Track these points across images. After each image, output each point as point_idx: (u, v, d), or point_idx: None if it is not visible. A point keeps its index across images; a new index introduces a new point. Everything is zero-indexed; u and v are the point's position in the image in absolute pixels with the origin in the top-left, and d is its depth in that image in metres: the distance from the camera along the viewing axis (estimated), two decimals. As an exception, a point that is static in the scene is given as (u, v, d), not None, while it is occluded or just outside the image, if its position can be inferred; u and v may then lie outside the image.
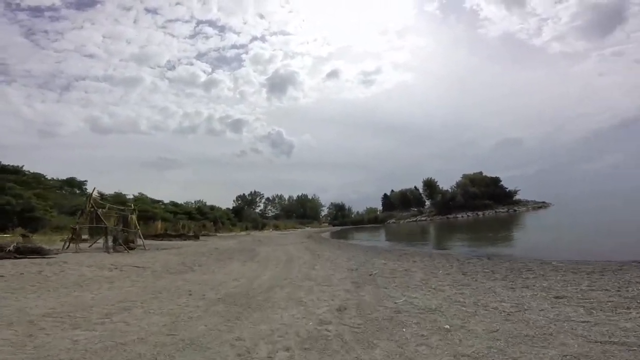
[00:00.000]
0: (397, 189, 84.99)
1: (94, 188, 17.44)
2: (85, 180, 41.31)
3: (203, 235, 36.02)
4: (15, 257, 9.89)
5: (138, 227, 16.14)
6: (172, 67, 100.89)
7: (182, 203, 51.88)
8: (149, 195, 44.92)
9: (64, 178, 42.90)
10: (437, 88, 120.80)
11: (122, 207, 17.09)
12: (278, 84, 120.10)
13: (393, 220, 70.79)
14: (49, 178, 38.80)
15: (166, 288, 6.24)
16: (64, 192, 41.27)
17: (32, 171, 34.64)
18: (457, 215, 64.18)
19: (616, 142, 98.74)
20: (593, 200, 55.90)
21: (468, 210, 65.49)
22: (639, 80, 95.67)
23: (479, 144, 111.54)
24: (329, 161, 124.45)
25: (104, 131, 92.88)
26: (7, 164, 32.96)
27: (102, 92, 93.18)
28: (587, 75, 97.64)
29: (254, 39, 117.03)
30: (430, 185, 74.60)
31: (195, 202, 60.96)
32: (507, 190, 70.12)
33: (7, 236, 14.22)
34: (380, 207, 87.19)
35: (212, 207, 56.03)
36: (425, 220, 65.33)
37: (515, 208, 66.03)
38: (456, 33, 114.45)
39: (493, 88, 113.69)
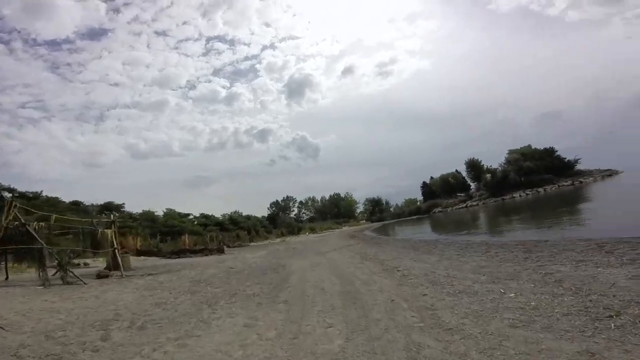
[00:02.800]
0: (435, 176, 76.17)
1: (12, 194, 12.20)
2: (123, 203, 37.86)
3: (235, 246, 30.94)
4: None
5: (116, 246, 10.59)
6: (193, 87, 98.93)
7: (219, 216, 47.23)
8: (182, 211, 40.99)
9: (101, 203, 39.80)
10: (457, 70, 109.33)
11: (90, 219, 11.75)
12: (295, 89, 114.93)
13: (439, 209, 62.25)
14: (88, 204, 36.35)
15: None
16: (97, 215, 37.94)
17: (62, 199, 31.62)
18: (514, 195, 54.65)
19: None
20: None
21: (525, 188, 55.74)
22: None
23: (515, 121, 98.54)
24: (357, 159, 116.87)
25: (143, 156, 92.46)
26: (26, 190, 30.04)
27: (134, 119, 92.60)
28: (614, 40, 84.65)
29: (265, 47, 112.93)
30: (474, 166, 65.04)
31: (231, 213, 56.93)
32: (566, 160, 59.21)
33: None
34: (419, 197, 78.68)
35: (248, 217, 51.45)
36: (477, 205, 56.32)
37: (581, 179, 55.29)
38: (466, 12, 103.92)
39: (517, 63, 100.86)
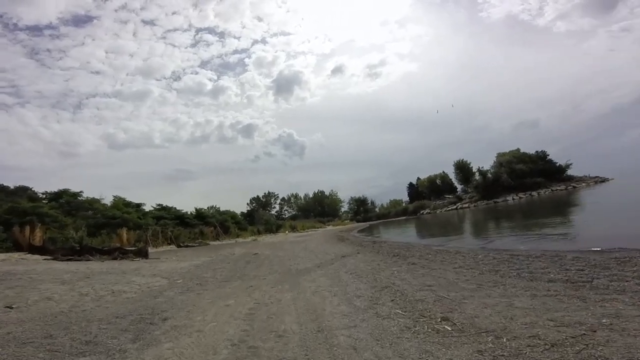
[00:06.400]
0: (413, 180, 70.30)
1: None
2: (80, 191, 29.50)
3: (194, 245, 23.17)
4: None
5: None
6: (178, 78, 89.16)
7: (181, 208, 38.90)
8: (164, 203, 33.27)
9: (55, 190, 31.37)
10: (443, 75, 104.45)
11: None
12: (284, 85, 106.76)
13: (427, 211, 56.06)
14: (41, 192, 28.33)
15: None
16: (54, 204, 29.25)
17: None
18: (507, 199, 49.16)
19: (638, 116, 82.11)
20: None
21: (517, 192, 50.40)
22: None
23: (494, 128, 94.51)
24: (341, 159, 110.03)
25: (121, 147, 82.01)
26: None
27: (113, 108, 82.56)
28: (598, 52, 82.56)
29: (255, 42, 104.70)
30: (463, 168, 59.41)
31: (207, 207, 48.84)
32: (558, 165, 54.54)
33: None
34: (403, 199, 72.57)
35: (223, 212, 43.31)
36: (468, 207, 50.47)
37: (574, 184, 50.69)
38: (456, 18, 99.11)
39: (501, 71, 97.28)
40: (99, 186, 68.60)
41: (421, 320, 3.25)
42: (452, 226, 23.53)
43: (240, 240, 28.65)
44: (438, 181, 65.81)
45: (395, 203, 72.46)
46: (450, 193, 62.20)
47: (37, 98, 76.49)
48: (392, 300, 3.95)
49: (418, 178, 69.37)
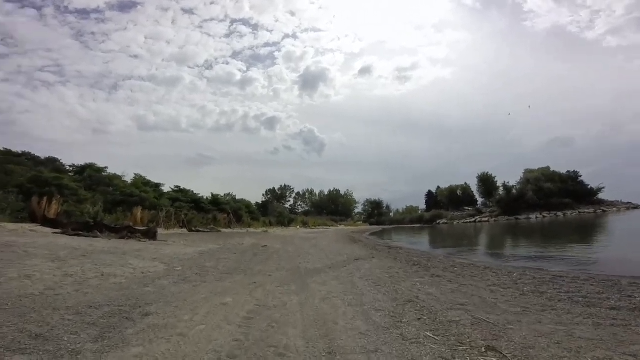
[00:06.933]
0: (433, 188, 68.10)
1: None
2: (106, 167, 30.42)
3: (205, 230, 23.14)
4: None
5: None
6: (210, 67, 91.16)
7: (198, 192, 39.32)
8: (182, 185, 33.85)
9: (82, 164, 32.48)
10: (477, 84, 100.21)
11: None
12: (310, 81, 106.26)
13: (444, 221, 54.14)
14: (69, 164, 29.50)
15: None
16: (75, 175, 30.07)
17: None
18: (530, 216, 46.61)
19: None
20: None
21: (542, 210, 47.72)
22: None
23: (526, 143, 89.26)
24: (360, 159, 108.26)
25: (149, 129, 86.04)
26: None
27: (147, 91, 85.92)
28: None
29: (286, 36, 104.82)
30: (486, 181, 56.86)
31: (224, 194, 49.47)
32: (589, 187, 51.32)
33: None
34: (419, 206, 70.55)
35: (239, 201, 43.46)
36: (488, 221, 48.23)
37: (603, 208, 47.53)
38: (498, 26, 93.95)
39: (540, 84, 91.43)
40: (126, 165, 72.05)
41: (460, 349, 2.53)
42: (469, 239, 22.22)
43: (251, 230, 28.46)
44: (459, 192, 63.50)
45: (411, 209, 70.63)
46: (470, 205, 59.81)
47: (77, 77, 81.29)
48: (419, 319, 3.24)
49: (438, 187, 67.25)
